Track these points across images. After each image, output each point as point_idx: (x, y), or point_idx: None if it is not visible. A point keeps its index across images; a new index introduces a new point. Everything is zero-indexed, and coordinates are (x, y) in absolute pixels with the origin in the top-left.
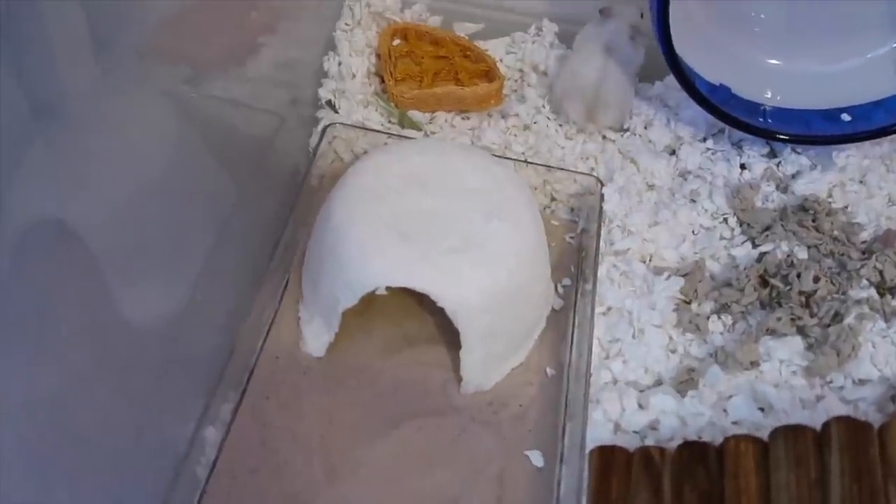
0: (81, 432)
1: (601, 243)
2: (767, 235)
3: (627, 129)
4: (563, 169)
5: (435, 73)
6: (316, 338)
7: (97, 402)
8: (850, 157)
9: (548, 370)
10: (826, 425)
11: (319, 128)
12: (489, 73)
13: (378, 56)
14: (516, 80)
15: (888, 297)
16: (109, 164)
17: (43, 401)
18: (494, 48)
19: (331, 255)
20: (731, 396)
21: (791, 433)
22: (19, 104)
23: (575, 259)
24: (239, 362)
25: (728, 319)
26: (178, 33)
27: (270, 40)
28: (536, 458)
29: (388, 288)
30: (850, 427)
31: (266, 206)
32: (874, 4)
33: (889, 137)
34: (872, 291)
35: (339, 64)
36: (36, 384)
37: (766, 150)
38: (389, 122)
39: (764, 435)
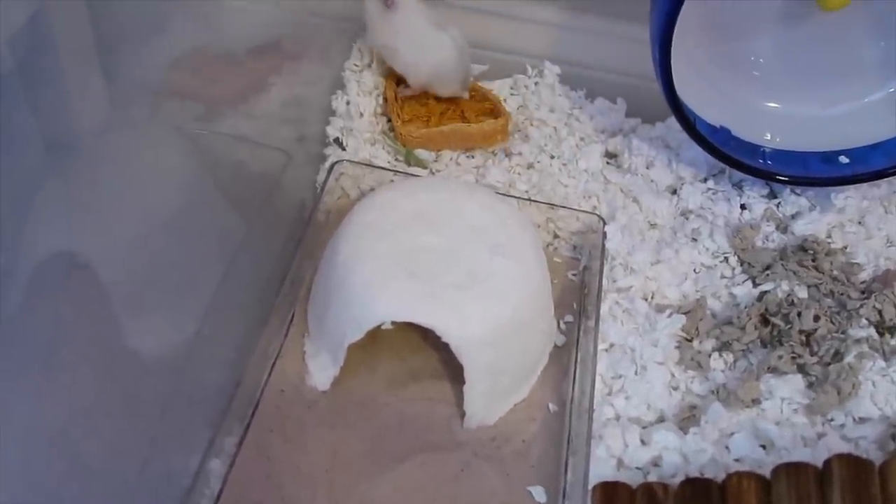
0: (88, 463)
1: (604, 281)
2: (768, 275)
3: None
4: (566, 207)
5: (441, 112)
6: (321, 372)
7: (104, 432)
8: (848, 198)
9: (550, 406)
10: (827, 463)
11: (327, 164)
12: (494, 110)
13: (385, 98)
14: (523, 121)
15: (887, 336)
16: (120, 198)
17: (50, 430)
18: (499, 88)
19: (337, 290)
20: (732, 433)
21: (793, 470)
22: (34, 139)
23: (577, 296)
24: (244, 395)
25: (729, 357)
26: (190, 71)
27: (279, 79)
28: (539, 494)
29: (393, 323)
30: (852, 464)
31: (273, 240)
32: (870, 50)
33: (887, 179)
34: (872, 331)
35: (348, 103)
36: (43, 414)
37: (765, 190)
38: (396, 159)
39: (766, 472)
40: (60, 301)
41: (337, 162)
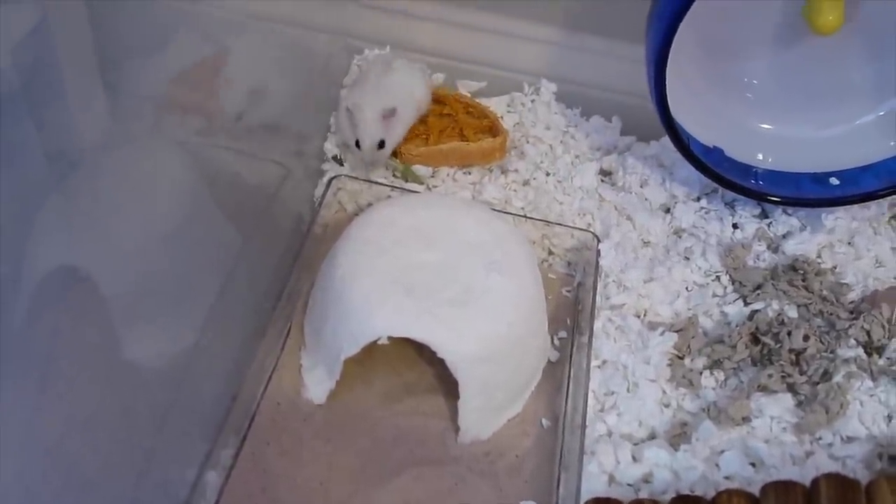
0: (85, 474)
1: (597, 298)
2: (759, 294)
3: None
4: (561, 224)
5: (440, 130)
6: (317, 385)
7: (101, 444)
8: (838, 219)
9: (543, 421)
10: (815, 482)
11: (325, 179)
12: (492, 128)
13: None
14: (519, 138)
15: (875, 356)
16: (120, 211)
17: (47, 442)
18: (496, 105)
19: (335, 305)
20: (722, 451)
21: (782, 489)
22: (36, 153)
23: (571, 312)
24: (240, 408)
25: (720, 375)
26: (191, 85)
27: (280, 94)
28: None
29: (389, 338)
30: (839, 484)
31: (271, 253)
32: (861, 74)
33: (876, 201)
34: (860, 351)
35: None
36: (41, 425)
37: (757, 210)
38: (394, 175)
39: (755, 490)
40: (59, 313)
41: (335, 177)
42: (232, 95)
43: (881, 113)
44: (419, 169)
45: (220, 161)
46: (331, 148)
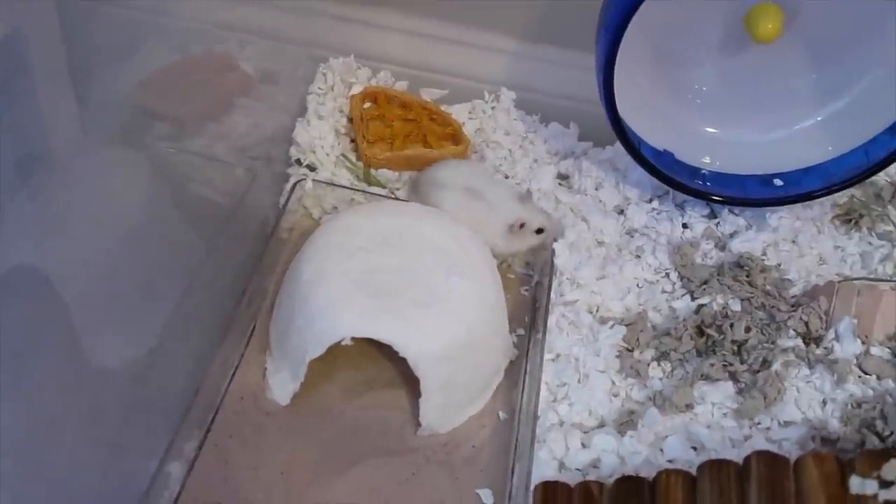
0: (49, 471)
1: (552, 295)
2: (705, 289)
3: None
4: None
5: (405, 135)
6: (282, 388)
7: (65, 441)
8: (782, 218)
9: (500, 414)
10: (747, 459)
11: (290, 184)
12: (455, 135)
13: (349, 119)
14: (479, 143)
15: (812, 346)
16: (87, 215)
17: (10, 441)
18: (458, 113)
19: (300, 308)
20: (666, 436)
21: (716, 467)
22: (5, 159)
23: (529, 310)
24: (204, 402)
25: (667, 366)
26: (159, 91)
27: (247, 101)
28: (487, 496)
29: (352, 338)
30: (769, 461)
31: (236, 256)
32: (802, 81)
33: (818, 201)
34: (798, 341)
35: (310, 125)
36: (6, 425)
37: (706, 211)
38: (357, 178)
39: (694, 471)
40: (25, 312)
41: (299, 181)
42: (199, 102)
43: (819, 118)
44: (385, 172)
45: (187, 166)
46: (296, 152)
